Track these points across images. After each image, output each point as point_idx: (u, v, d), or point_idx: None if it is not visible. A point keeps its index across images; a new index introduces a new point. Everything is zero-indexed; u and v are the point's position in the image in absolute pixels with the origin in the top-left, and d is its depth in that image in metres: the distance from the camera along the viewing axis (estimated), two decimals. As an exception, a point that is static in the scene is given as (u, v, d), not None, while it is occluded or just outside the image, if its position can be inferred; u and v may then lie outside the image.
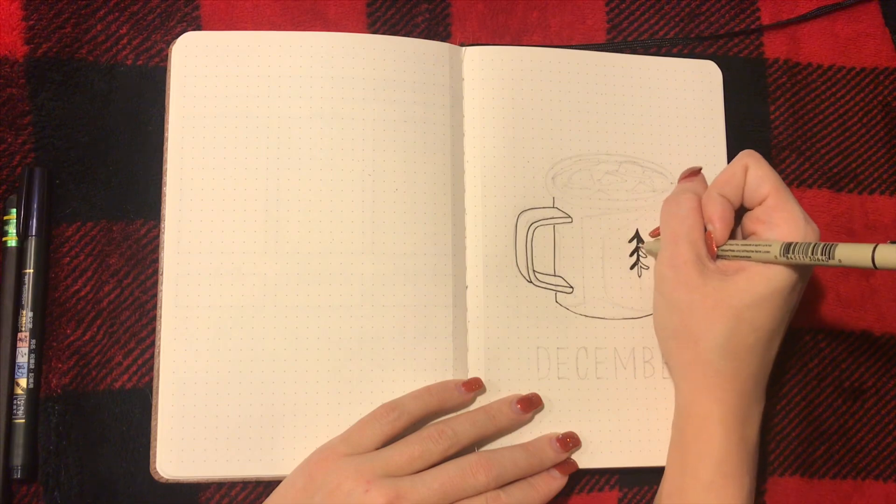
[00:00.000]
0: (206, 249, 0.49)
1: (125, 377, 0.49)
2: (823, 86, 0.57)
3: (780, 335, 0.46)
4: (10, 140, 0.50)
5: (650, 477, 0.50)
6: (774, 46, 0.57)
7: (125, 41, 0.52)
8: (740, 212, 0.48)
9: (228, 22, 0.53)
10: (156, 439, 0.47)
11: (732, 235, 0.47)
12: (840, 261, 0.40)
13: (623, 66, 0.54)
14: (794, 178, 0.56)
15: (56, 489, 0.47)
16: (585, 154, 0.53)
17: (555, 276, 0.51)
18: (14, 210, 0.49)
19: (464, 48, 0.53)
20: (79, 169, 0.50)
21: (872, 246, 0.38)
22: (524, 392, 0.49)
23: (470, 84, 0.52)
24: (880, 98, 0.57)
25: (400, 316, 0.49)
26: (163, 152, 0.50)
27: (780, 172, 0.47)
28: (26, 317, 0.48)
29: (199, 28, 0.52)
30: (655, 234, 0.51)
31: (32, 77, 0.50)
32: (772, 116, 0.56)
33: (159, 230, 0.49)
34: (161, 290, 0.48)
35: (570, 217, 0.52)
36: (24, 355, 0.48)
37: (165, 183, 0.49)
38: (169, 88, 0.50)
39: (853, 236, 0.55)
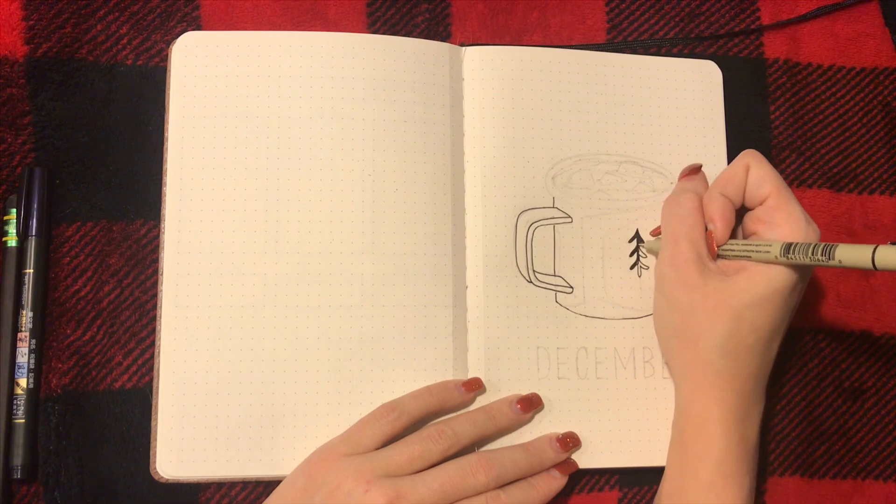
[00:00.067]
0: (206, 249, 0.49)
1: (125, 377, 0.49)
2: (823, 86, 0.57)
3: (781, 335, 0.46)
4: (10, 140, 0.50)
5: (650, 477, 0.50)
6: (774, 46, 0.57)
7: (125, 41, 0.52)
8: (741, 211, 0.48)
9: (228, 22, 0.53)
10: (156, 439, 0.47)
11: (733, 235, 0.47)
12: (840, 261, 0.40)
13: (623, 66, 0.54)
14: (794, 178, 0.56)
15: (56, 489, 0.47)
16: (585, 154, 0.53)
17: (555, 276, 0.51)
18: (14, 210, 0.49)
19: (464, 48, 0.53)
20: (79, 169, 0.50)
21: (872, 247, 0.38)
22: (524, 392, 0.49)
23: (470, 84, 0.52)
24: (880, 98, 0.57)
25: (400, 316, 0.49)
26: (163, 152, 0.50)
27: (780, 172, 0.47)
28: (26, 317, 0.48)
29: (199, 28, 0.52)
30: (656, 233, 0.51)
31: (32, 77, 0.50)
32: (772, 116, 0.56)
33: (159, 230, 0.49)
34: (161, 290, 0.48)
35: (570, 217, 0.52)
36: (24, 355, 0.48)
37: (165, 183, 0.49)
38: (169, 88, 0.50)
39: (853, 236, 0.55)
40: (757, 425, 0.46)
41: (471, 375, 0.50)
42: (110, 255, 0.50)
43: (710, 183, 0.50)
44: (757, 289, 0.44)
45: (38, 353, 0.48)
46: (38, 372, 0.48)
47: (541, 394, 0.50)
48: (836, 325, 0.54)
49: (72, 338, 0.49)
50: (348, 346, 0.49)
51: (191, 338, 0.48)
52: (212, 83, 0.50)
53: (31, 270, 0.48)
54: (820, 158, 0.56)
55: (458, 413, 0.48)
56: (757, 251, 0.44)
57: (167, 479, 0.47)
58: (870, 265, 0.38)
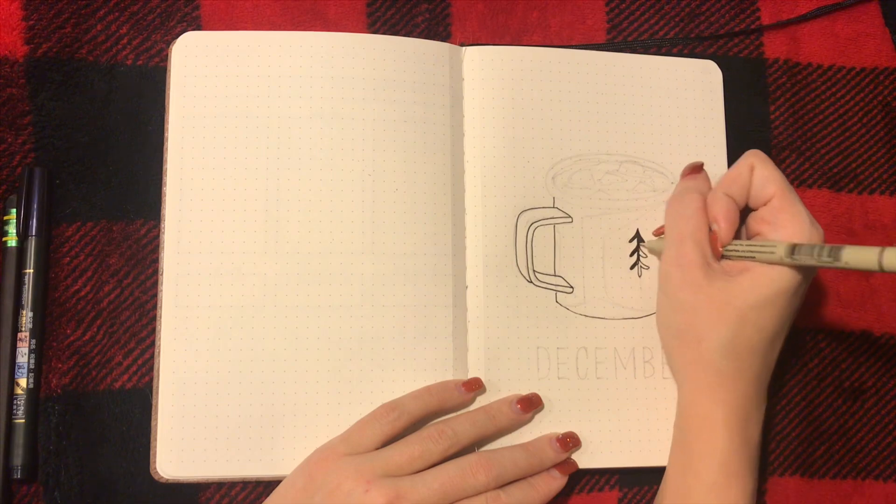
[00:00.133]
0: (206, 249, 0.49)
1: (125, 377, 0.49)
2: (823, 86, 0.57)
3: (783, 336, 0.46)
4: (10, 140, 0.50)
5: (650, 477, 0.50)
6: (774, 46, 0.57)
7: (125, 41, 0.52)
8: (744, 212, 0.48)
9: (228, 22, 0.53)
10: (156, 439, 0.47)
11: (737, 235, 0.47)
12: (846, 263, 0.39)
13: (623, 65, 0.54)
14: (794, 178, 0.56)
15: (56, 489, 0.47)
16: (586, 154, 0.53)
17: (555, 276, 0.51)
18: (14, 210, 0.49)
19: (464, 48, 0.53)
20: (79, 169, 0.50)
21: (879, 249, 0.38)
22: (524, 392, 0.49)
23: (470, 84, 0.52)
24: (880, 98, 0.57)
25: (400, 316, 0.49)
26: (163, 152, 0.50)
27: (779, 172, 0.47)
28: (26, 317, 0.48)
29: (199, 28, 0.52)
30: (659, 232, 0.51)
31: (32, 77, 0.50)
32: (772, 116, 0.56)
33: (159, 230, 0.49)
34: (161, 290, 0.48)
35: (570, 217, 0.52)
36: (24, 355, 0.48)
37: (165, 183, 0.49)
38: (169, 88, 0.50)
39: (853, 236, 0.55)
40: (759, 426, 0.46)
41: (471, 375, 0.50)
42: (110, 255, 0.50)
43: (712, 182, 0.50)
44: (761, 290, 0.44)
45: (38, 353, 0.48)
46: (38, 372, 0.48)
47: (541, 394, 0.50)
48: (836, 325, 0.54)
49: (72, 338, 0.49)
50: (348, 346, 0.49)
51: (191, 338, 0.48)
52: (212, 83, 0.50)
53: (31, 270, 0.48)
54: (820, 158, 0.56)
55: (458, 413, 0.48)
56: (761, 252, 0.44)
57: (167, 479, 0.47)
58: (877, 267, 0.38)
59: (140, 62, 0.52)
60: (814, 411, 0.53)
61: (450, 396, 0.48)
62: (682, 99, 0.54)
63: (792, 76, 0.56)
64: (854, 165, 0.56)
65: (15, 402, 0.47)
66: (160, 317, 0.48)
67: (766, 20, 0.57)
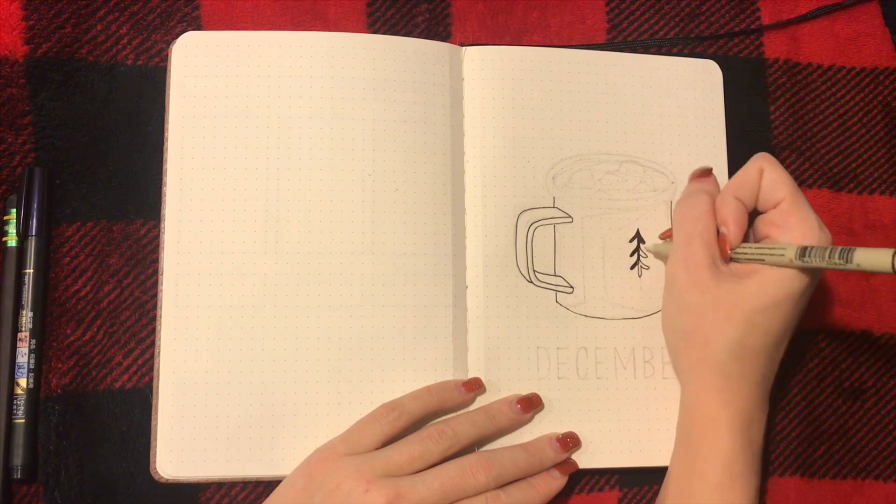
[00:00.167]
0: (206, 249, 0.49)
1: (125, 377, 0.49)
2: (823, 86, 0.57)
3: (788, 339, 0.46)
4: (10, 140, 0.50)
5: (650, 477, 0.50)
6: (774, 46, 0.57)
7: (125, 41, 0.52)
8: (752, 215, 0.48)
9: (228, 22, 0.53)
10: (156, 439, 0.47)
11: (745, 238, 0.47)
12: (859, 265, 0.39)
13: (623, 65, 0.54)
14: (794, 178, 0.55)
15: (56, 489, 0.47)
16: (586, 154, 0.53)
17: (555, 276, 0.51)
18: (14, 210, 0.49)
19: (464, 48, 0.53)
20: (79, 169, 0.50)
21: (892, 251, 0.37)
22: (524, 392, 0.49)
23: (470, 84, 0.52)
24: (880, 98, 0.57)
25: (400, 316, 0.49)
26: (163, 152, 0.50)
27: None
28: (26, 317, 0.48)
29: (199, 28, 0.52)
30: (666, 235, 0.51)
31: (32, 77, 0.50)
32: (772, 116, 0.56)
33: (159, 230, 0.49)
34: (161, 290, 0.48)
35: (570, 217, 0.52)
36: (24, 355, 0.48)
37: (165, 183, 0.49)
38: (169, 88, 0.50)
39: (853, 236, 0.55)
40: (763, 427, 0.46)
41: (471, 375, 0.50)
42: (110, 255, 0.50)
43: (720, 185, 0.50)
44: (769, 292, 0.44)
45: (38, 353, 0.48)
46: (38, 372, 0.48)
47: (541, 394, 0.50)
48: (836, 325, 0.54)
49: (72, 338, 0.49)
50: (348, 346, 0.49)
51: (191, 338, 0.48)
52: (212, 83, 0.50)
53: (31, 270, 0.48)
54: (820, 158, 0.56)
55: (458, 413, 0.48)
56: (771, 254, 0.44)
57: (167, 479, 0.47)
58: (889, 269, 0.38)
59: (140, 62, 0.52)
60: (814, 411, 0.53)
61: (450, 396, 0.48)
62: (682, 99, 0.54)
63: (792, 76, 0.56)
64: (854, 165, 0.56)
65: (15, 402, 0.47)
66: (160, 317, 0.48)
67: (766, 20, 0.57)
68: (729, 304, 0.44)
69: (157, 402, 0.47)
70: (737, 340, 0.44)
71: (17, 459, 0.47)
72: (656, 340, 0.51)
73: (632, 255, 0.52)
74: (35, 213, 0.49)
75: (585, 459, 0.49)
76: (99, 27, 0.51)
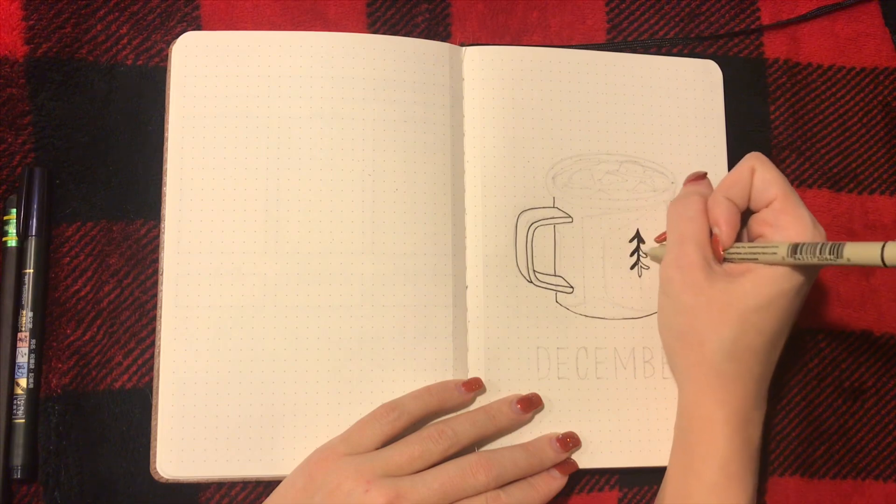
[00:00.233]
0: (206, 249, 0.49)
1: (125, 377, 0.49)
2: (823, 86, 0.57)
3: (784, 338, 0.46)
4: (10, 140, 0.50)
5: (650, 477, 0.50)
6: (774, 46, 0.57)
7: (125, 41, 0.52)
8: (746, 214, 0.48)
9: (228, 22, 0.53)
10: (156, 439, 0.47)
11: (738, 238, 0.47)
12: (849, 259, 0.39)
13: (623, 65, 0.54)
14: (794, 178, 0.56)
15: (56, 489, 0.47)
16: (586, 154, 0.53)
17: (555, 276, 0.51)
18: (14, 210, 0.49)
19: (464, 48, 0.53)
20: (79, 169, 0.50)
21: (881, 244, 0.38)
22: (524, 392, 0.49)
23: (470, 84, 0.52)
24: (880, 98, 0.57)
25: (400, 316, 0.49)
26: (163, 152, 0.50)
27: (780, 173, 0.47)
28: (26, 317, 0.48)
29: (199, 28, 0.52)
30: (660, 239, 0.51)
31: (32, 77, 0.50)
32: (772, 116, 0.56)
33: (159, 230, 0.49)
34: (161, 290, 0.48)
35: (570, 217, 0.52)
36: (24, 355, 0.48)
37: (165, 183, 0.49)
38: (169, 88, 0.50)
39: (853, 236, 0.55)
40: (760, 427, 0.46)
41: (471, 375, 0.50)
42: (110, 255, 0.50)
43: (714, 186, 0.50)
44: (763, 291, 0.44)
45: (38, 353, 0.48)
46: (38, 372, 0.48)
47: (541, 394, 0.50)
48: (836, 325, 0.54)
49: (72, 338, 0.49)
50: (348, 346, 0.49)
51: (191, 338, 0.48)
52: (212, 83, 0.50)
53: (31, 270, 0.48)
54: (820, 158, 0.56)
55: (458, 413, 0.48)
56: (763, 253, 0.44)
57: (167, 479, 0.47)
58: (879, 262, 0.38)
59: (140, 62, 0.52)
60: (814, 411, 0.53)
61: (450, 396, 0.48)
62: (682, 99, 0.54)
63: (792, 76, 0.56)
64: (854, 165, 0.56)
65: (15, 402, 0.47)
66: (160, 317, 0.48)
67: (766, 20, 0.57)
68: (723, 303, 0.44)
69: (157, 402, 0.47)
70: (732, 340, 0.44)
71: (17, 459, 0.47)
72: (656, 340, 0.51)
73: (632, 255, 0.52)
74: (35, 213, 0.49)
75: (585, 459, 0.49)
76: (99, 27, 0.51)
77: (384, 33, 0.53)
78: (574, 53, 0.54)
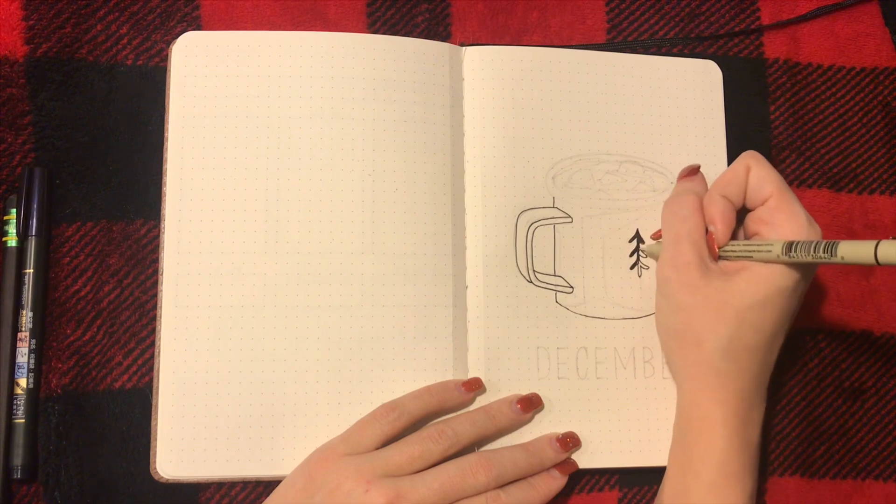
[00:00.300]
0: (206, 249, 0.49)
1: (125, 377, 0.49)
2: (823, 86, 0.57)
3: (782, 337, 0.46)
4: (10, 140, 0.50)
5: (650, 477, 0.50)
6: (774, 46, 0.57)
7: (125, 41, 0.52)
8: (742, 212, 0.48)
9: (228, 22, 0.53)
10: (156, 439, 0.47)
11: (734, 236, 0.47)
12: (843, 258, 0.40)
13: (623, 65, 0.54)
14: (794, 178, 0.56)
15: (56, 489, 0.47)
16: (586, 154, 0.53)
17: (555, 276, 0.51)
18: (14, 210, 0.49)
19: (464, 48, 0.53)
20: (79, 169, 0.50)
21: (875, 242, 0.38)
22: (524, 392, 0.49)
23: (470, 84, 0.52)
24: (880, 98, 0.57)
25: (400, 316, 0.49)
26: (163, 152, 0.50)
27: (780, 172, 0.47)
28: (26, 317, 0.48)
29: (199, 28, 0.52)
30: (657, 236, 0.51)
31: (32, 77, 0.50)
32: (772, 116, 0.56)
33: (159, 230, 0.49)
34: (161, 290, 0.48)
35: (570, 217, 0.52)
36: (24, 355, 0.48)
37: (165, 183, 0.49)
38: (169, 88, 0.50)
39: (853, 236, 0.55)
40: (758, 426, 0.46)
41: (471, 375, 0.50)
42: (110, 255, 0.50)
43: (709, 184, 0.50)
44: (759, 289, 0.44)
45: (38, 353, 0.48)
46: (38, 372, 0.48)
47: (541, 394, 0.50)
48: (836, 325, 0.54)
49: (72, 338, 0.49)
50: (348, 346, 0.49)
51: (191, 338, 0.48)
52: (212, 83, 0.50)
53: (31, 270, 0.48)
54: (820, 158, 0.56)
55: (458, 413, 0.48)
56: (759, 251, 0.44)
57: (167, 479, 0.47)
58: (872, 260, 0.38)
59: (140, 62, 0.52)
60: (814, 411, 0.53)
61: (450, 396, 0.48)
62: (682, 99, 0.54)
63: (792, 76, 0.56)
64: (854, 165, 0.56)
65: (15, 402, 0.47)
66: (160, 317, 0.48)
67: (766, 20, 0.57)
68: (719, 302, 0.44)
69: (157, 402, 0.47)
70: (729, 339, 0.44)
71: (17, 459, 0.47)
72: (656, 340, 0.51)
73: (631, 255, 0.52)
74: (35, 213, 0.49)
75: (585, 459, 0.49)
76: (99, 27, 0.51)
77: (384, 33, 0.53)
78: (574, 53, 0.54)
